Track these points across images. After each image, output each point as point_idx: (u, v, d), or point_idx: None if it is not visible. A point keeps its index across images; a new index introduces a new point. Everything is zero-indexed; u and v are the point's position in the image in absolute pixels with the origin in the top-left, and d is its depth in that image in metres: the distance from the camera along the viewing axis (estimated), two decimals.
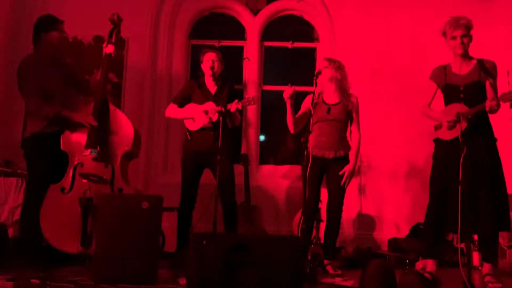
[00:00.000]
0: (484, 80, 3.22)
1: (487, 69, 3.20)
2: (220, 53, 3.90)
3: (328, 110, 3.52)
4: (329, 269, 3.44)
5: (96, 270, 2.72)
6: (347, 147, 3.57)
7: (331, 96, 3.58)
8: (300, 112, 3.62)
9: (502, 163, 3.22)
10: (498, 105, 3.00)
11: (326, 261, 3.50)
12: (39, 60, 3.35)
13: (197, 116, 3.74)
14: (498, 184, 3.17)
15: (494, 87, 3.19)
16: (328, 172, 3.55)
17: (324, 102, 3.57)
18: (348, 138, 3.63)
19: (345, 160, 3.53)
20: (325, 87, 3.59)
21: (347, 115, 3.56)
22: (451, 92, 3.30)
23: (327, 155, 3.49)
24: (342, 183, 3.47)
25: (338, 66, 3.56)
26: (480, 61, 3.26)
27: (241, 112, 3.93)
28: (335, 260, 3.64)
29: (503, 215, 3.14)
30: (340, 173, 3.48)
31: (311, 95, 3.59)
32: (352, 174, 3.51)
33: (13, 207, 3.80)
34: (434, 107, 3.44)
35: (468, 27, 3.22)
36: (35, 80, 3.27)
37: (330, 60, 3.59)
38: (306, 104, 3.63)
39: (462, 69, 3.29)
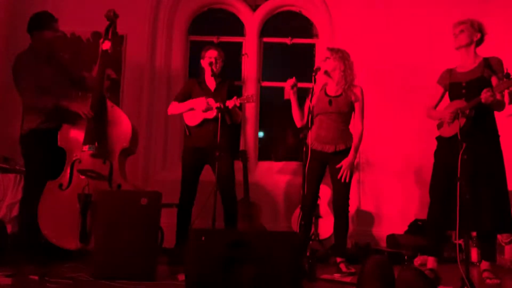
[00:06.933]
0: (488, 76, 3.19)
1: (491, 65, 3.20)
2: (222, 51, 3.91)
3: (330, 102, 3.42)
4: (342, 267, 3.31)
5: (94, 266, 2.73)
6: (349, 140, 3.41)
7: (333, 87, 3.47)
8: (305, 108, 3.56)
9: (504, 159, 3.21)
10: (493, 96, 2.98)
11: (338, 259, 3.38)
12: (34, 56, 3.34)
13: (198, 105, 3.74)
14: (499, 182, 3.16)
15: None
16: (330, 168, 3.44)
17: (326, 94, 3.47)
18: (351, 131, 3.49)
19: (346, 154, 3.38)
20: (328, 79, 3.49)
21: (350, 107, 3.43)
22: (454, 89, 3.32)
23: (327, 149, 3.38)
24: (338, 176, 3.33)
25: (341, 56, 3.44)
26: (485, 59, 3.27)
27: (240, 108, 3.93)
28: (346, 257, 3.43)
29: (503, 214, 3.13)
30: (338, 166, 3.35)
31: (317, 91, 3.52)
32: (351, 167, 3.37)
33: (11, 204, 3.78)
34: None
35: (466, 24, 3.24)
36: (31, 74, 3.26)
37: (332, 50, 3.49)
38: None
39: (466, 67, 3.30)
